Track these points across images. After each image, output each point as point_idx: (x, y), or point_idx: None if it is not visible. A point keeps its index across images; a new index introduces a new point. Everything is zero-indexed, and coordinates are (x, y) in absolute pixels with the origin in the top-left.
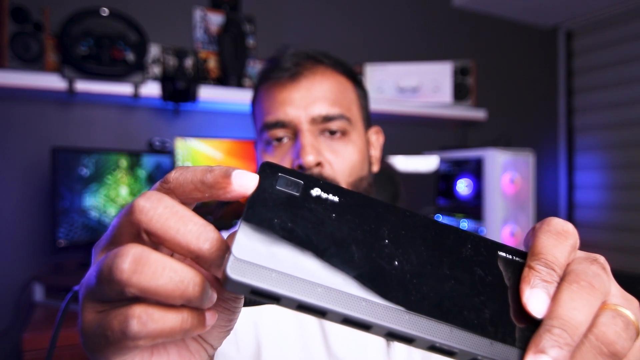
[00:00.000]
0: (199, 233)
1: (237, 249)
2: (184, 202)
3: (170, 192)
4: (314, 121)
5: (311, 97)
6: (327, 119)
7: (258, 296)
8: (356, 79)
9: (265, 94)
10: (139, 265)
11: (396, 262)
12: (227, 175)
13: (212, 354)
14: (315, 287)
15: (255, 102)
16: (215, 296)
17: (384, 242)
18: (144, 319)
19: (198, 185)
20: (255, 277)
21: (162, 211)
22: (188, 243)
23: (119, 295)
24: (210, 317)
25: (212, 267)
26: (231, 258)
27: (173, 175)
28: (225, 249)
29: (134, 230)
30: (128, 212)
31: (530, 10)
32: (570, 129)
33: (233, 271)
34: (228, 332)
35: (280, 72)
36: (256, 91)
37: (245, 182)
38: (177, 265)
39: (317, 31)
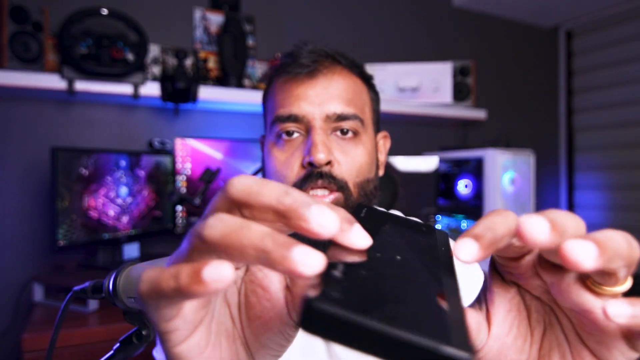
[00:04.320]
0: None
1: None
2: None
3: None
4: (327, 119)
5: (327, 95)
6: (341, 117)
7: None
8: (370, 83)
9: (280, 88)
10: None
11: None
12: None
13: None
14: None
15: (268, 95)
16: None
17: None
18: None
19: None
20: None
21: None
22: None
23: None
24: (212, 269)
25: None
26: None
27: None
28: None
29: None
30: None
31: (531, 10)
32: (570, 129)
33: None
34: (276, 357)
35: (298, 67)
36: (270, 84)
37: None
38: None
39: (317, 31)
